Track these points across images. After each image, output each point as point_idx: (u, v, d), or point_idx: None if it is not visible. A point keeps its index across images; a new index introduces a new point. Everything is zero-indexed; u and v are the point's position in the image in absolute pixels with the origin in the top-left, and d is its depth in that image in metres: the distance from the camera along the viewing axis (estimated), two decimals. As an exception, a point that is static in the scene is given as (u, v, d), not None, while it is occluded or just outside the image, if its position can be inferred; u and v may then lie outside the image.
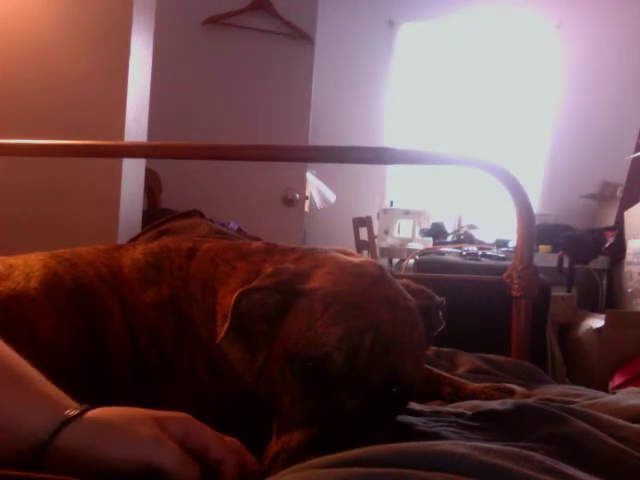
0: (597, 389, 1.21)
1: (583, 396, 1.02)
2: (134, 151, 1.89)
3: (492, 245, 3.42)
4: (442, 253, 3.04)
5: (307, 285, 0.75)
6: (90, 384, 0.76)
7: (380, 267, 0.80)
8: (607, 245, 3.51)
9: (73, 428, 0.56)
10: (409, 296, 0.78)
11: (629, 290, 3.23)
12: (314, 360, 0.68)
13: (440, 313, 0.85)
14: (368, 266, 0.80)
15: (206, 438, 0.61)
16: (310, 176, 3.35)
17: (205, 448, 0.60)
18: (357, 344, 0.68)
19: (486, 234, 3.72)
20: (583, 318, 3.21)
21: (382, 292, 0.75)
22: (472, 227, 3.79)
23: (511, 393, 1.06)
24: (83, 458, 0.55)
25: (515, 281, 1.50)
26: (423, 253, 3.04)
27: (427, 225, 3.77)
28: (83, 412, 0.58)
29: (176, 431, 0.59)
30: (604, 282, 3.66)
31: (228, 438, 0.64)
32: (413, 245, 3.47)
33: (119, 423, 0.58)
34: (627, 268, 3.28)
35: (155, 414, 0.60)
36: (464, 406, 0.92)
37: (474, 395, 1.03)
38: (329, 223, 4.07)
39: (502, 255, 2.93)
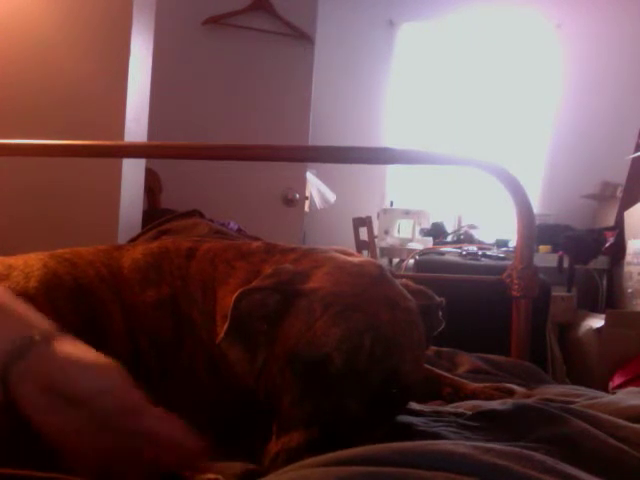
0: (597, 389, 1.21)
1: (583, 396, 1.02)
2: (134, 151, 1.89)
3: (492, 245, 3.42)
4: (442, 253, 3.04)
5: (307, 285, 0.75)
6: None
7: (380, 267, 0.80)
8: (607, 245, 3.51)
9: (40, 350, 0.57)
10: (409, 296, 0.78)
11: (629, 290, 3.23)
12: (314, 360, 0.68)
13: (440, 313, 0.85)
14: (368, 266, 0.80)
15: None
16: (310, 176, 3.35)
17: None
18: (357, 345, 0.68)
19: (486, 234, 3.72)
20: (583, 318, 3.21)
21: (382, 292, 0.74)
22: (472, 227, 3.79)
23: (511, 393, 1.06)
24: (48, 379, 0.56)
25: (515, 281, 1.50)
26: (423, 253, 3.04)
27: (427, 225, 3.77)
28: (50, 337, 0.59)
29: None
30: (604, 282, 3.66)
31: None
32: (413, 245, 3.47)
33: (84, 349, 0.60)
34: (627, 268, 3.28)
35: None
36: (464, 406, 0.92)
37: (474, 395, 1.03)
38: (329, 223, 4.08)
39: (502, 255, 2.93)
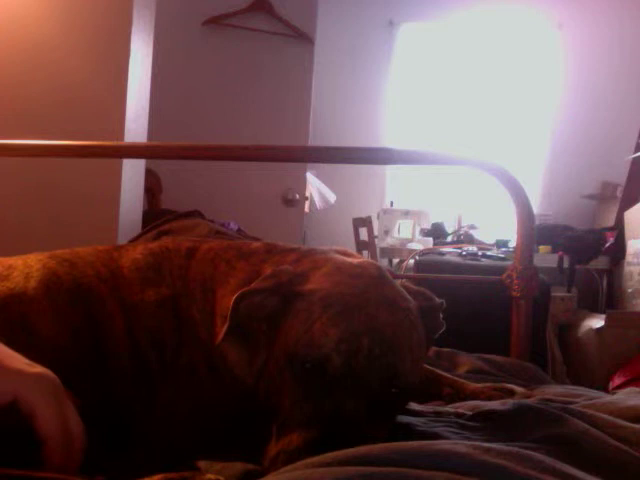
0: (597, 389, 1.21)
1: (583, 396, 1.02)
2: (134, 151, 1.89)
3: (492, 245, 3.42)
4: (442, 253, 3.04)
5: (306, 287, 0.75)
6: (90, 384, 0.76)
7: (379, 268, 0.80)
8: (607, 245, 3.51)
9: None
10: (408, 297, 0.78)
11: (629, 290, 3.23)
12: (313, 361, 0.68)
13: (440, 315, 0.85)
14: (367, 267, 0.80)
15: (36, 406, 0.55)
16: (310, 176, 3.35)
17: (31, 416, 0.55)
18: (355, 345, 0.68)
19: (486, 234, 3.71)
20: (583, 318, 3.21)
21: (381, 293, 0.74)
22: (472, 227, 3.79)
23: (511, 393, 1.06)
24: None
25: (515, 281, 1.50)
26: (423, 253, 3.03)
27: (427, 225, 3.77)
28: None
29: (2, 390, 0.54)
30: (604, 282, 3.66)
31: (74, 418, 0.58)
32: (413, 245, 3.46)
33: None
34: (627, 268, 3.28)
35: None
36: (464, 406, 0.92)
37: (474, 395, 1.03)
38: (329, 223, 4.08)
39: (502, 255, 2.93)
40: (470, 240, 3.49)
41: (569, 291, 3.41)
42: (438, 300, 0.85)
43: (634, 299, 3.16)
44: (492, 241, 3.56)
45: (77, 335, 0.79)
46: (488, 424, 0.74)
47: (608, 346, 2.79)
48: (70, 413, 0.58)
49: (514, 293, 1.50)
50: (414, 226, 3.68)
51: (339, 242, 1.73)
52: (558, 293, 3.20)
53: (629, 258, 3.28)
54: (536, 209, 3.85)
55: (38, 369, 0.57)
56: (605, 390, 2.42)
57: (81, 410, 0.62)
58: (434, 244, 3.56)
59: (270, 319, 0.76)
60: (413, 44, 4.58)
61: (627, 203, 3.58)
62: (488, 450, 0.53)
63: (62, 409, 0.57)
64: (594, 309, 3.49)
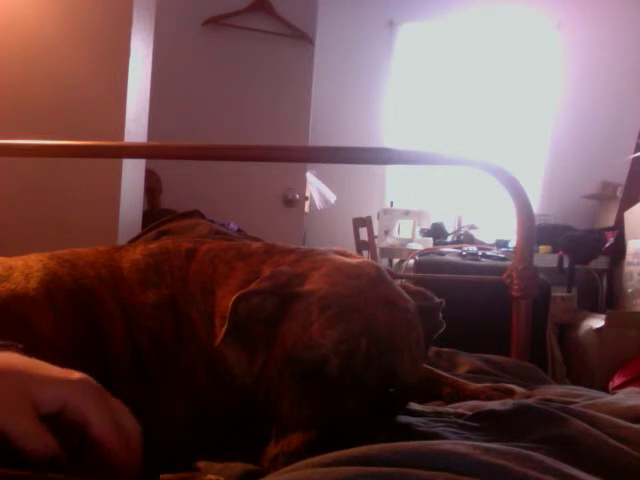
0: (597, 389, 1.21)
1: (583, 396, 1.02)
2: (134, 151, 1.89)
3: (492, 245, 3.42)
4: (442, 253, 3.04)
5: (304, 288, 0.75)
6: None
7: (377, 268, 0.80)
8: (607, 245, 3.52)
9: None
10: (407, 297, 0.78)
11: (629, 290, 3.23)
12: (311, 363, 0.68)
13: (440, 315, 0.85)
14: (365, 267, 0.79)
15: (87, 412, 0.54)
16: (310, 176, 3.35)
17: (84, 423, 0.54)
18: (353, 346, 0.67)
19: (486, 234, 3.72)
20: (583, 318, 3.21)
21: (379, 293, 0.74)
22: (472, 227, 3.79)
23: (511, 393, 1.05)
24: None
25: (515, 282, 1.49)
26: (423, 253, 3.03)
27: (427, 225, 3.77)
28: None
29: (51, 399, 0.53)
30: (604, 282, 3.66)
31: (126, 421, 0.58)
32: (413, 245, 3.46)
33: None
34: (627, 268, 3.28)
35: (38, 375, 0.55)
36: (464, 406, 0.92)
37: (474, 395, 1.03)
38: (329, 223, 4.08)
39: (502, 255, 2.93)
40: (470, 240, 3.50)
41: (569, 291, 3.41)
42: (437, 300, 0.85)
43: (634, 299, 3.17)
44: (492, 241, 3.56)
45: (77, 336, 0.79)
46: (488, 424, 0.74)
47: (608, 346, 2.79)
48: (121, 412, 0.58)
49: (514, 293, 1.50)
50: (414, 226, 3.68)
51: (339, 242, 1.74)
52: (558, 293, 3.21)
53: (629, 258, 3.28)
54: (536, 209, 3.85)
55: (79, 375, 0.57)
56: (605, 390, 2.42)
57: None
58: (434, 244, 3.56)
59: (269, 320, 0.76)
60: (413, 44, 4.59)
61: (627, 203, 3.58)
62: (488, 450, 0.53)
63: (112, 411, 0.57)
64: (594, 309, 3.49)
